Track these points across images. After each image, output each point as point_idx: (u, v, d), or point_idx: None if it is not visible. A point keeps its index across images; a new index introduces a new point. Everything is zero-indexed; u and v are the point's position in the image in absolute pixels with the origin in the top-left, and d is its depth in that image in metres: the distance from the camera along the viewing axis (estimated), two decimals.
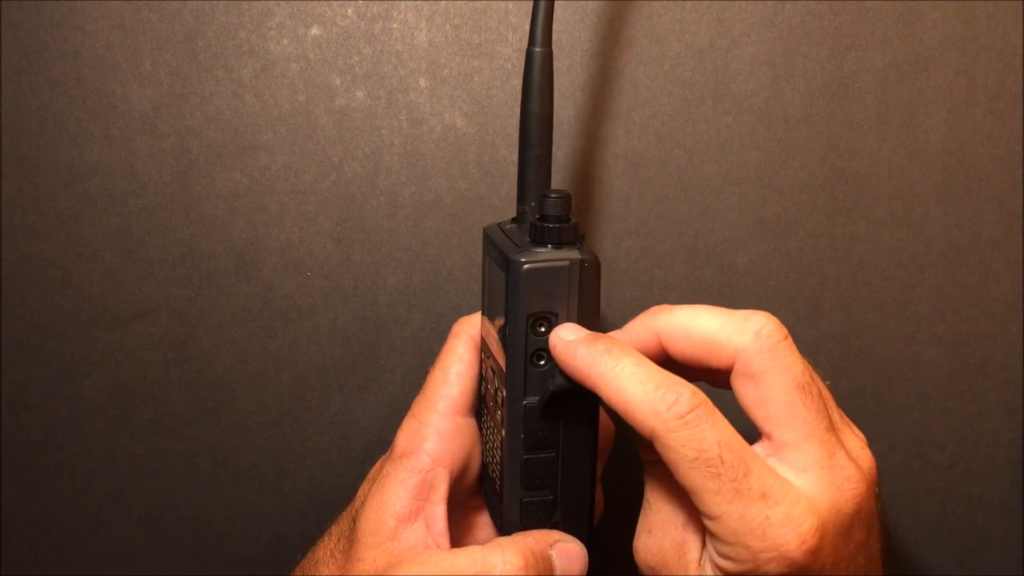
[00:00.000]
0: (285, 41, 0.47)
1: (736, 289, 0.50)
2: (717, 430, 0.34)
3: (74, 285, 0.48)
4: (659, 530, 0.38)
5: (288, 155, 0.48)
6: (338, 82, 0.47)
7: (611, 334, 0.38)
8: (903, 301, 0.51)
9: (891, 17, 0.48)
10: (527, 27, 0.47)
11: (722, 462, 0.33)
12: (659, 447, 0.34)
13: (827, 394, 0.37)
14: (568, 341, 0.36)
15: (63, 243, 0.48)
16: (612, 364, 0.35)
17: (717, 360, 0.36)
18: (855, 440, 0.37)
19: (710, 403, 0.34)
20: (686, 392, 0.34)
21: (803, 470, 0.34)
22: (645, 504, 0.39)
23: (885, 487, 0.52)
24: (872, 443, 0.52)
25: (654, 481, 0.38)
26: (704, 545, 0.36)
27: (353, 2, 0.47)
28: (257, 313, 0.49)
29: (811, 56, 0.48)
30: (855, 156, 0.50)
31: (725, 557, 0.34)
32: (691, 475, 0.34)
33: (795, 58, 0.48)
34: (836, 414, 0.37)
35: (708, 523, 0.34)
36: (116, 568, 0.51)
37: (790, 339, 0.35)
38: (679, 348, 0.36)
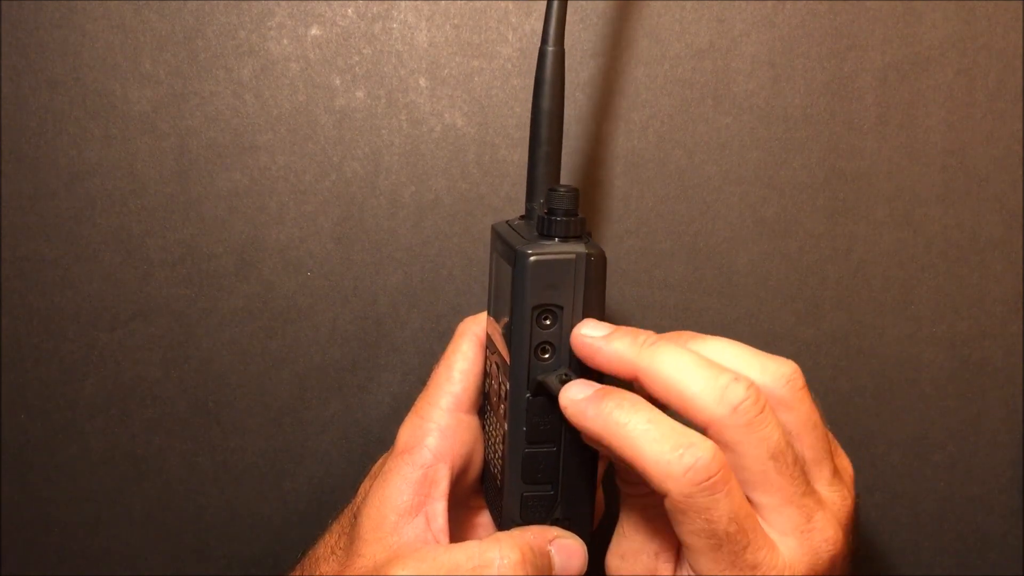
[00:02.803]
0: (285, 41, 0.47)
1: (736, 289, 0.50)
2: (731, 500, 0.33)
3: (74, 285, 0.48)
4: (631, 557, 0.38)
5: (288, 155, 0.48)
6: (338, 82, 0.47)
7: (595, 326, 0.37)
8: (903, 301, 0.51)
9: (891, 17, 0.48)
10: (527, 27, 0.47)
11: (727, 536, 0.33)
12: (668, 506, 0.33)
13: (810, 442, 0.36)
14: (577, 401, 0.36)
15: (63, 243, 0.48)
16: (624, 420, 0.34)
17: (691, 419, 0.34)
18: (835, 489, 0.36)
19: (727, 467, 0.33)
20: (704, 455, 0.33)
21: (783, 533, 0.34)
22: (619, 530, 0.39)
23: (885, 487, 0.53)
24: (872, 443, 0.52)
25: (630, 510, 0.38)
26: (674, 573, 0.37)
27: (353, 2, 0.47)
28: (257, 313, 0.49)
29: (811, 56, 0.48)
30: (855, 156, 0.49)
31: None
32: (693, 539, 0.34)
33: (795, 58, 0.48)
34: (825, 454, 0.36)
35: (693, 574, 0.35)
36: (116, 568, 0.51)
37: (769, 408, 0.34)
38: (654, 392, 0.35)
